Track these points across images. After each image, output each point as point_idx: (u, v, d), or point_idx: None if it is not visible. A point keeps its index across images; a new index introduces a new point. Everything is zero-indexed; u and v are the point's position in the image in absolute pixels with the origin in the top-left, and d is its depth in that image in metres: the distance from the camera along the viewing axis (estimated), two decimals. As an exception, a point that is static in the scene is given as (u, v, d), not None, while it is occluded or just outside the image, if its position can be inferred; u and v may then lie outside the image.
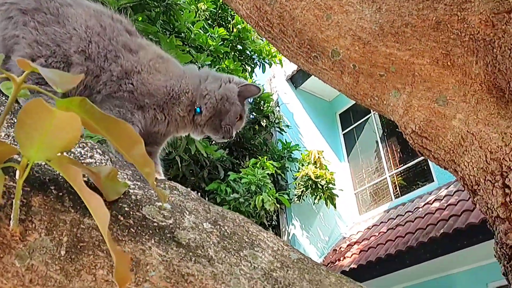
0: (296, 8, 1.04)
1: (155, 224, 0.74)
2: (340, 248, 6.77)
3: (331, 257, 6.75)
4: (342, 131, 8.69)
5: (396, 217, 6.44)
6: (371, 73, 1.01)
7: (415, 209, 6.24)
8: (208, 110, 1.27)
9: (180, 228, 0.76)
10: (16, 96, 0.60)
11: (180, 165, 5.28)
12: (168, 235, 0.73)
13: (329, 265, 6.51)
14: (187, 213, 0.80)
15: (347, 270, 5.68)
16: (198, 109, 1.26)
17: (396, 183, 7.38)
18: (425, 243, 5.11)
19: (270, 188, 5.95)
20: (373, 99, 1.06)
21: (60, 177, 0.72)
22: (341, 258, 6.36)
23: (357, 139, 8.40)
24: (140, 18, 4.01)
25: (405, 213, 6.33)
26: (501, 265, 0.89)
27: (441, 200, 5.99)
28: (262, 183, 5.91)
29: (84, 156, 0.83)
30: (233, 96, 1.28)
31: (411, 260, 5.39)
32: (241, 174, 5.92)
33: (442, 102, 0.94)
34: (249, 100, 1.37)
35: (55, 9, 1.09)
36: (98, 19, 1.17)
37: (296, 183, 6.83)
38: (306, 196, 6.77)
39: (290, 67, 8.42)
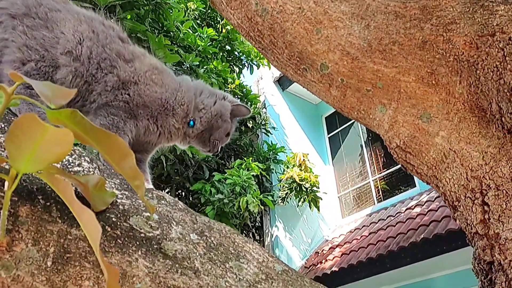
0: (287, 21, 1.06)
1: (142, 235, 0.74)
2: (322, 250, 6.82)
3: (313, 259, 6.80)
4: (328, 134, 8.76)
5: (378, 221, 6.52)
6: (359, 88, 1.04)
7: (396, 213, 6.33)
8: (202, 124, 1.29)
9: (167, 239, 0.76)
10: (6, 106, 0.60)
11: (165, 164, 5.25)
12: (155, 246, 0.74)
13: (311, 267, 6.56)
14: (174, 223, 0.80)
15: (329, 272, 5.73)
16: (191, 122, 1.27)
17: (379, 187, 7.48)
18: (405, 247, 5.20)
19: (254, 189, 5.96)
20: (359, 113, 1.08)
21: (48, 187, 0.72)
22: (323, 261, 6.42)
23: (342, 143, 8.48)
24: (128, 16, 3.98)
25: (387, 218, 6.42)
26: (478, 280, 0.93)
27: (423, 205, 6.09)
28: (246, 184, 5.92)
29: (72, 164, 0.83)
30: (227, 113, 1.30)
31: (391, 264, 5.47)
32: (226, 174, 5.92)
33: (426, 119, 0.96)
34: (237, 119, 1.40)
35: (43, 14, 1.09)
36: (89, 24, 1.16)
37: (280, 185, 6.86)
38: (290, 198, 6.80)
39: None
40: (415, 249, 5.18)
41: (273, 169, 7.05)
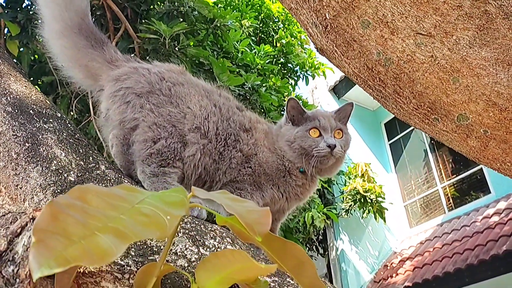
0: (417, 71, 0.97)
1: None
2: (391, 263, 6.55)
3: (382, 273, 6.55)
4: (388, 141, 8.44)
5: (451, 231, 6.16)
6: (506, 139, 0.93)
7: (471, 223, 5.95)
8: (295, 159, 1.22)
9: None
10: (183, 216, 0.57)
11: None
12: None
13: (380, 281, 6.31)
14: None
15: (402, 288, 5.48)
16: (301, 169, 1.22)
17: (449, 194, 7.07)
18: (486, 260, 4.86)
19: (318, 203, 5.84)
20: (504, 164, 0.98)
21: None
22: (393, 275, 6.16)
23: (404, 149, 8.13)
24: (191, 43, 4.04)
25: (461, 228, 6.05)
26: None
27: (501, 213, 5.69)
28: (310, 199, 5.80)
29: (218, 248, 0.80)
30: (282, 137, 1.24)
31: (470, 278, 5.14)
32: (288, 189, 5.84)
33: None
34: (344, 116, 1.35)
35: (167, 89, 1.09)
36: (210, 98, 1.16)
37: (343, 197, 6.68)
38: (354, 210, 6.60)
39: (333, 78, 8.28)
40: (497, 262, 4.83)
41: (334, 180, 6.89)
